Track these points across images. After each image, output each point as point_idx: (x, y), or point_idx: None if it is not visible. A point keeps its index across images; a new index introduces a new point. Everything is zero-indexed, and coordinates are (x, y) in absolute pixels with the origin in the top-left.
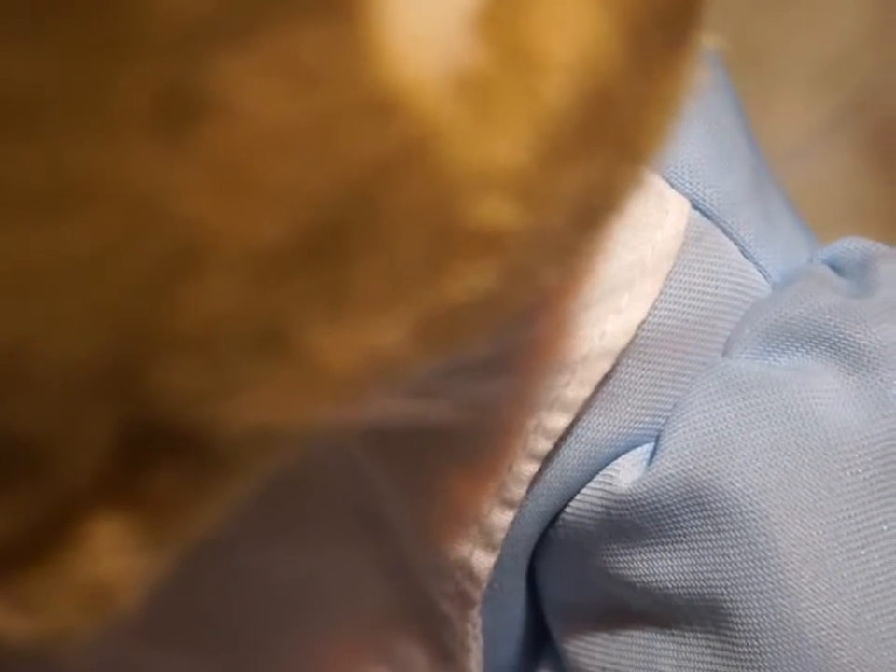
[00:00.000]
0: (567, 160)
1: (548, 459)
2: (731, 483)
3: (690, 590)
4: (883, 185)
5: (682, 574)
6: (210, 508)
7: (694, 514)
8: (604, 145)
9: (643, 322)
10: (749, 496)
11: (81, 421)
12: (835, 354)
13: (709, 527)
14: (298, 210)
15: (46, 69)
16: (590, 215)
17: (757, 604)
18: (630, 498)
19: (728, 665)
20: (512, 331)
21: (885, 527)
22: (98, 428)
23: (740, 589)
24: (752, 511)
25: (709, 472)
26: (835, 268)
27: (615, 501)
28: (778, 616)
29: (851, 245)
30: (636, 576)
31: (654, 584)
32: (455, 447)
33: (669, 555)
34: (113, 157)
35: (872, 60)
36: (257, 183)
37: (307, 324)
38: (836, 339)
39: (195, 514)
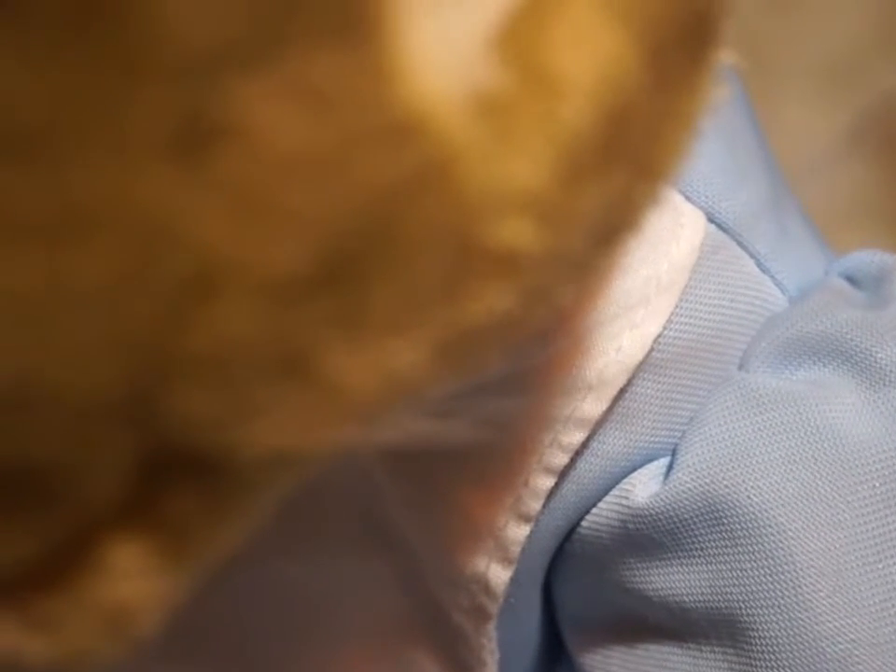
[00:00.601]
0: (586, 180)
1: (564, 473)
2: (748, 496)
3: (707, 604)
4: (888, 180)
5: (699, 588)
6: (229, 530)
7: (711, 528)
8: (622, 163)
9: (659, 336)
10: (766, 509)
11: (97, 448)
12: (852, 368)
13: (726, 541)
14: (315, 235)
15: (56, 92)
16: (608, 233)
17: (774, 618)
18: (647, 512)
19: None
20: (529, 350)
21: None
22: (115, 454)
23: (757, 603)
24: (769, 525)
25: (726, 486)
26: (851, 280)
27: (632, 515)
28: (796, 630)
29: (867, 258)
30: (652, 590)
31: (671, 598)
32: (470, 462)
33: (686, 569)
34: (126, 183)
35: (882, 64)
36: (273, 208)
37: (325, 348)
38: (853, 353)
39: (214, 537)
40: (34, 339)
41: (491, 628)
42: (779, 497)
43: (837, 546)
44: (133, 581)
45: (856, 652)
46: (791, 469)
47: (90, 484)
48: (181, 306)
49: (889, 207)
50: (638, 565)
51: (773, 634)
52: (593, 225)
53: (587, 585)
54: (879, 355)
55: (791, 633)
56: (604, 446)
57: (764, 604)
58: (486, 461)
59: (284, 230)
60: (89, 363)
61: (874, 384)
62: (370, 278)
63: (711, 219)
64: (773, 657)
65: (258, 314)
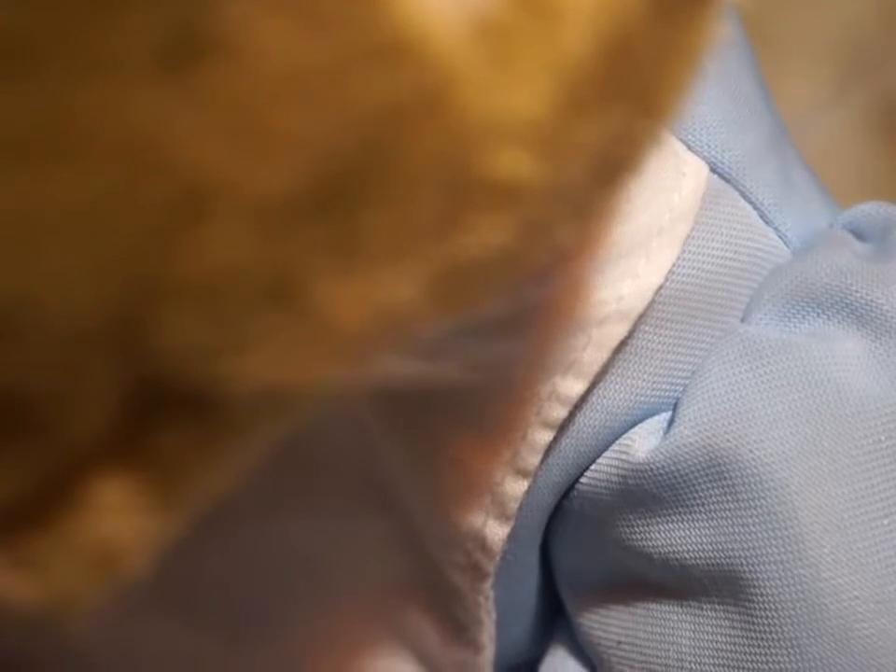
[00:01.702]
0: (586, 111)
1: (563, 428)
2: (750, 451)
3: (708, 561)
4: (888, 157)
5: (700, 545)
6: (220, 470)
7: (713, 483)
8: (624, 97)
9: (660, 287)
10: (768, 464)
11: (84, 377)
12: (857, 319)
13: (728, 497)
14: (309, 158)
15: (41, 6)
16: (608, 169)
17: (776, 574)
18: (647, 468)
19: (747, 637)
20: (527, 291)
21: None
22: (102, 385)
23: (759, 559)
24: (772, 480)
25: (728, 441)
26: (856, 232)
27: (632, 470)
28: (798, 587)
29: (872, 210)
30: (653, 547)
31: (672, 555)
32: (467, 415)
33: (687, 525)
34: (115, 98)
35: (876, 30)
36: (266, 128)
37: (317, 277)
38: (858, 304)
39: (205, 476)
40: (16, 260)
41: (487, 587)
42: (782, 452)
43: (841, 502)
44: (120, 518)
45: (859, 609)
46: (795, 424)
47: (75, 416)
48: (170, 228)
49: (877, 170)
50: (638, 521)
51: (774, 591)
52: (592, 160)
53: (586, 544)
54: (885, 307)
55: (793, 590)
56: (604, 400)
57: (766, 560)
58: (483, 413)
59: (276, 151)
60: (73, 286)
61: (879, 335)
62: (364, 205)
63: (714, 169)
64: (774, 614)
65: (248, 238)
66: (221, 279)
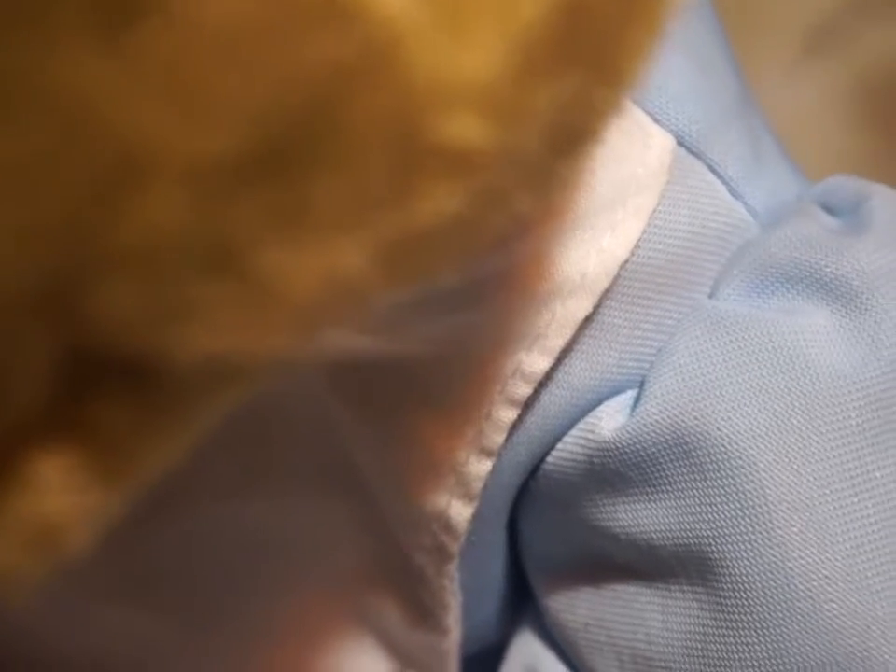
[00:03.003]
0: (541, 75)
1: (528, 405)
2: (717, 428)
3: (675, 541)
4: (857, 131)
5: (667, 524)
6: (163, 445)
7: (680, 461)
8: (581, 61)
9: (626, 262)
10: (736, 441)
11: (19, 347)
12: (826, 294)
13: (695, 475)
14: (249, 120)
15: None
16: (566, 137)
17: (745, 554)
18: (613, 446)
19: (715, 618)
20: (485, 261)
21: (878, 474)
22: (38, 355)
23: (727, 539)
24: (740, 458)
25: (695, 418)
26: (826, 206)
27: (598, 449)
28: (767, 566)
29: (842, 183)
30: (619, 527)
31: (639, 535)
32: (428, 392)
33: (654, 505)
34: (45, 58)
35: (866, 26)
36: (203, 90)
37: (260, 244)
38: (827, 279)
39: (147, 451)
40: None
41: (452, 569)
42: (750, 429)
43: (810, 480)
44: (60, 494)
45: (829, 589)
46: (763, 400)
47: (11, 389)
48: (104, 191)
49: (869, 167)
50: (605, 501)
51: (743, 571)
52: (549, 126)
53: (553, 524)
54: (854, 281)
55: (762, 569)
56: (569, 377)
57: (734, 540)
58: (445, 391)
59: (215, 113)
60: (6, 251)
61: (849, 310)
62: (308, 170)
63: (681, 142)
64: (743, 595)
65: (187, 203)
66: (159, 245)
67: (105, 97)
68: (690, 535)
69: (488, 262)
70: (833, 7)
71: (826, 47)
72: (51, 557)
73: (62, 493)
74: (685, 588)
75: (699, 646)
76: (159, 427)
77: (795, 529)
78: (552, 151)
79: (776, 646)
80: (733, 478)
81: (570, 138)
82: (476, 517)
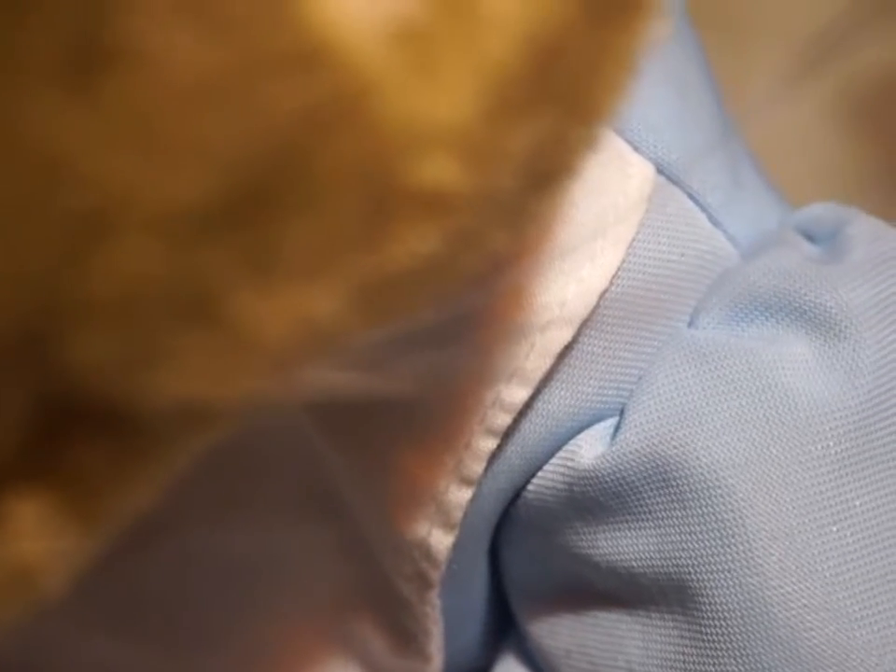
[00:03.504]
0: (514, 116)
1: (507, 435)
2: (697, 457)
3: (655, 569)
4: (848, 144)
5: (648, 552)
6: (139, 487)
7: (659, 490)
8: (555, 101)
9: (605, 291)
10: (715, 470)
11: None
12: (805, 323)
13: (675, 504)
14: (218, 168)
15: None
16: (542, 176)
17: (724, 583)
18: (593, 474)
19: (695, 647)
20: (463, 299)
21: (857, 503)
22: (13, 403)
23: (707, 567)
24: (719, 487)
25: (675, 447)
26: (806, 234)
27: (578, 478)
28: (746, 595)
29: (823, 211)
30: (600, 555)
31: (619, 563)
32: (408, 423)
33: (634, 533)
34: (14, 107)
35: (858, 34)
36: (173, 138)
37: (233, 290)
38: (806, 307)
39: (123, 493)
40: None
41: (434, 596)
42: (729, 458)
43: (789, 508)
44: (35, 539)
45: (808, 618)
46: (742, 429)
47: None
48: (75, 243)
49: (862, 180)
50: (585, 529)
51: (723, 599)
52: (524, 166)
53: (534, 552)
54: (833, 310)
55: (741, 598)
56: (549, 406)
57: (714, 569)
58: (426, 422)
59: (184, 161)
60: None
61: (828, 339)
62: (279, 217)
63: (660, 170)
64: (723, 623)
65: (158, 252)
66: (131, 294)
67: (74, 147)
68: (670, 563)
69: (465, 299)
70: (826, 20)
71: (819, 60)
72: (26, 598)
73: (36, 536)
74: (665, 616)
75: None
76: (134, 471)
77: (774, 558)
78: (527, 190)
79: None
80: (712, 507)
81: (546, 176)
82: (457, 546)
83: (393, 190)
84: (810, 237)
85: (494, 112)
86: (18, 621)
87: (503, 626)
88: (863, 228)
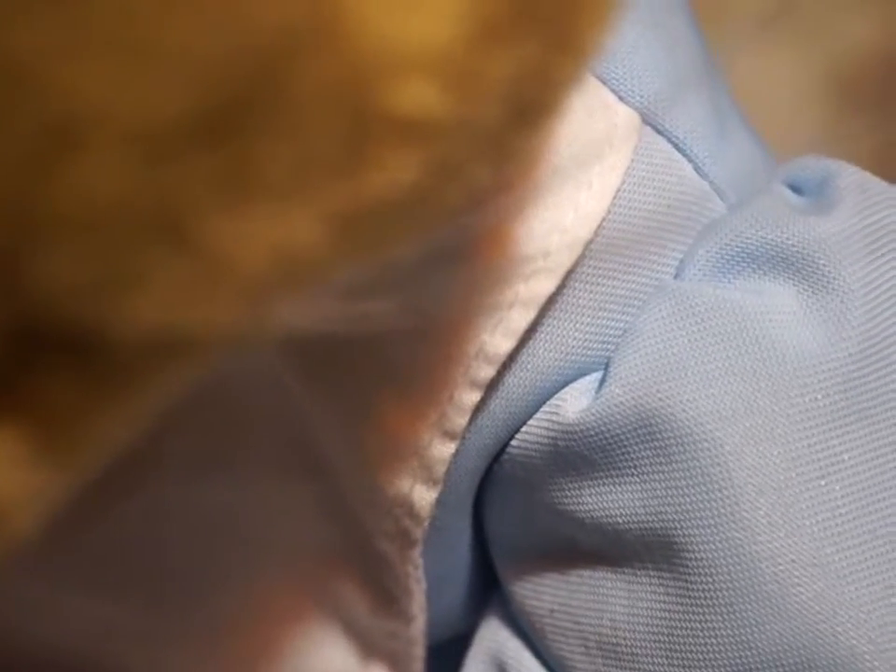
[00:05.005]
0: (496, 42)
1: (491, 388)
2: (683, 410)
3: (641, 524)
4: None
5: (633, 508)
6: (112, 421)
7: (645, 444)
8: (538, 30)
9: (589, 241)
10: (702, 423)
11: None
12: (793, 274)
13: (661, 458)
14: (191, 82)
15: None
16: (525, 107)
17: (711, 537)
18: (577, 428)
19: (682, 604)
20: (444, 236)
21: (846, 456)
22: None
23: (693, 522)
24: (705, 440)
25: (660, 399)
26: (793, 186)
27: (562, 431)
28: (733, 550)
29: (809, 164)
30: (584, 511)
31: (604, 520)
32: (391, 374)
33: (619, 488)
34: None
35: (846, 15)
36: (145, 49)
37: (205, 212)
38: (794, 258)
39: (96, 427)
40: None
41: (416, 555)
42: (716, 411)
43: (777, 462)
44: (4, 471)
45: (795, 573)
46: (729, 382)
47: None
48: (42, 157)
49: (851, 160)
50: (570, 485)
51: (709, 555)
52: (506, 96)
53: (518, 510)
54: (821, 261)
55: (728, 553)
56: (533, 359)
57: (700, 523)
58: (408, 374)
59: (158, 74)
60: None
61: (816, 291)
62: (255, 136)
63: (646, 120)
64: (709, 578)
65: (128, 169)
66: (99, 212)
67: (42, 55)
68: (655, 518)
69: (445, 236)
70: None
71: (799, 31)
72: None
73: (6, 469)
74: (651, 573)
75: (665, 631)
76: (106, 403)
77: (762, 512)
78: (509, 122)
79: (742, 630)
80: (698, 460)
81: (529, 108)
82: (440, 502)
83: (371, 113)
84: (797, 189)
85: (475, 37)
86: None
87: (486, 590)
88: (851, 180)
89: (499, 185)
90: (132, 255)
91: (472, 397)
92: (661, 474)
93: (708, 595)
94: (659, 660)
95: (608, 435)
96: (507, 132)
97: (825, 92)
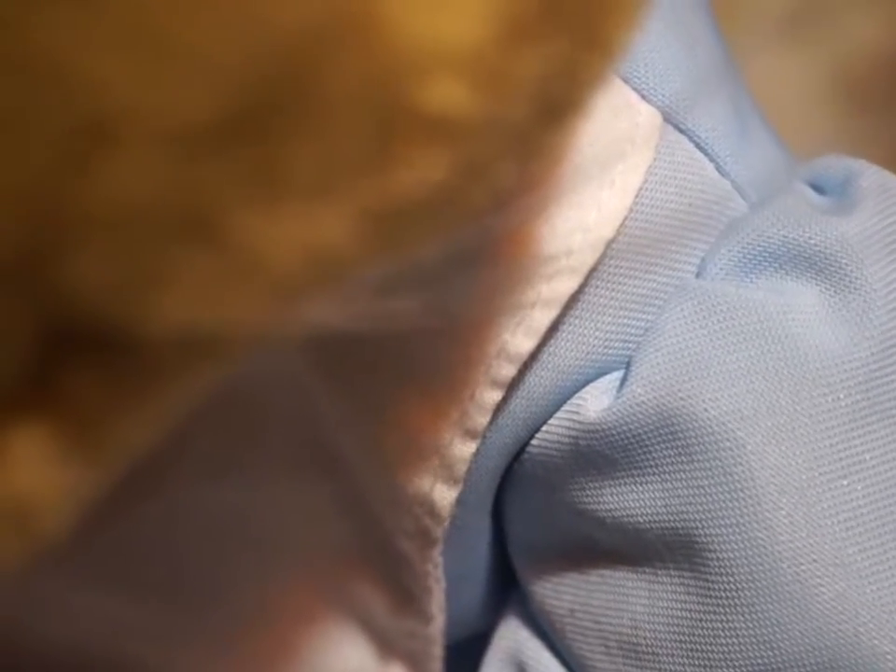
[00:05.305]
0: (525, 41)
1: (512, 387)
2: (705, 409)
3: (662, 524)
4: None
5: (654, 507)
6: (140, 420)
7: (666, 443)
8: (566, 28)
9: (611, 241)
10: (724, 423)
11: None
12: (815, 273)
13: (682, 457)
14: (223, 81)
15: None
16: (552, 106)
17: (732, 537)
18: (599, 427)
19: (703, 603)
20: (470, 235)
21: (868, 456)
22: (12, 327)
23: (715, 522)
24: (727, 440)
25: (682, 399)
26: (815, 186)
27: (583, 431)
28: (755, 550)
29: (831, 163)
30: (605, 510)
31: (625, 519)
32: (413, 372)
33: (640, 488)
34: (10, 13)
35: (853, 14)
36: (178, 48)
37: (235, 210)
38: (816, 258)
39: (124, 426)
40: None
41: (436, 554)
42: (738, 411)
43: (799, 462)
44: (34, 469)
45: (817, 573)
46: (751, 381)
47: None
48: (73, 156)
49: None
50: (591, 484)
51: (731, 554)
52: (534, 94)
53: (538, 509)
54: (844, 260)
55: (750, 553)
56: (555, 358)
57: (722, 523)
58: (430, 372)
59: (189, 73)
60: None
61: (838, 290)
62: (285, 134)
63: (668, 119)
64: (731, 578)
65: (159, 168)
66: (131, 211)
67: (75, 54)
68: (676, 518)
69: (471, 235)
70: None
71: (808, 32)
72: (27, 537)
73: (36, 467)
74: (672, 572)
75: (686, 631)
76: (135, 402)
77: (784, 512)
78: (537, 120)
79: (764, 630)
80: (720, 460)
81: (556, 106)
82: (460, 501)
83: (399, 112)
84: (819, 189)
85: (503, 36)
86: (20, 565)
87: (505, 589)
88: (873, 179)
89: (524, 184)
90: (161, 254)
91: (494, 396)
92: (682, 473)
93: (730, 595)
94: (680, 660)
95: (629, 434)
96: (534, 130)
97: (834, 93)
